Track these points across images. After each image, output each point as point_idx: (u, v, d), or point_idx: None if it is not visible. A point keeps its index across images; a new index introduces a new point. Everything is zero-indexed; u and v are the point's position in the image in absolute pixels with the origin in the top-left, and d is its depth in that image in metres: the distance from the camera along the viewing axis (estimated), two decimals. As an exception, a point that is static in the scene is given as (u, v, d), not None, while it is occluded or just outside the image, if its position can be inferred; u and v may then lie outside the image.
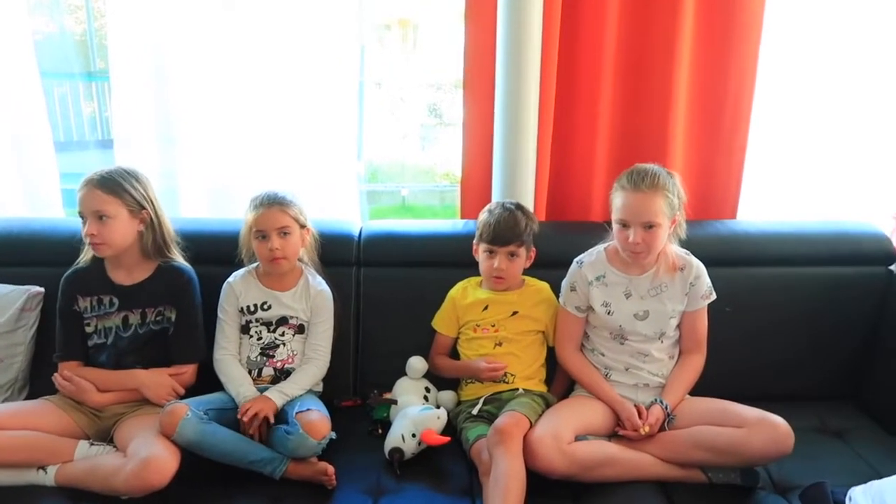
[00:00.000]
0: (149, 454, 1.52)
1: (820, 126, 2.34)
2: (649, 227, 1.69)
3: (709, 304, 1.83)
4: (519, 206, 1.92)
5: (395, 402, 1.87)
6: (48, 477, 1.59)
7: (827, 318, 2.04)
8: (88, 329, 1.82)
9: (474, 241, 1.94)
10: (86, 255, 1.86)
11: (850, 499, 1.29)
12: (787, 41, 2.23)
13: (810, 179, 2.39)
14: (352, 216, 2.40)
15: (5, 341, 1.90)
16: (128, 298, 1.82)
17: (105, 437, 1.73)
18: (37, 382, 1.93)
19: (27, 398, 1.91)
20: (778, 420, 1.56)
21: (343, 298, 1.99)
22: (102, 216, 1.74)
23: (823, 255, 2.09)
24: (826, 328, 2.04)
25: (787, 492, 1.62)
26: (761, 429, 1.56)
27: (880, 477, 1.46)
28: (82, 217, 1.76)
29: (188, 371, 1.83)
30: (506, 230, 1.86)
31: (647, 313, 1.80)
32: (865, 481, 1.42)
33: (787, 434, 1.55)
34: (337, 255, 2.05)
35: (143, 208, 1.81)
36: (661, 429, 1.71)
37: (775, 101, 2.27)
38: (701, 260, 1.83)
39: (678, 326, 1.83)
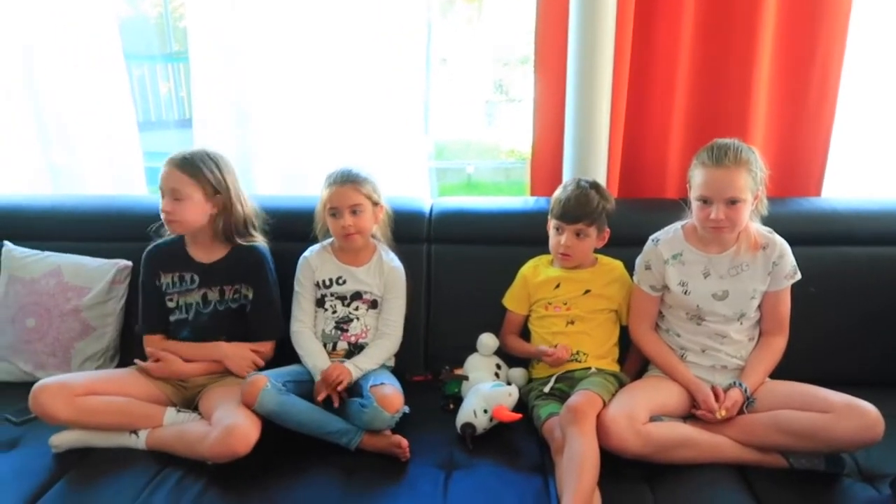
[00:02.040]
0: (232, 423, 1.58)
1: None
2: (733, 202, 1.64)
3: (792, 285, 1.76)
4: (594, 185, 1.89)
5: (466, 377, 1.88)
6: (140, 440, 1.67)
7: (920, 300, 1.94)
8: (170, 304, 1.89)
9: (549, 216, 1.93)
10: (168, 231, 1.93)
11: (946, 489, 1.23)
12: (878, 9, 2.10)
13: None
14: (422, 193, 2.41)
15: (98, 312, 2.01)
16: (207, 276, 1.89)
17: (190, 405, 1.81)
18: (126, 352, 2.04)
19: (117, 367, 2.03)
20: (867, 406, 1.49)
21: (414, 275, 2.01)
22: (178, 195, 1.80)
23: (915, 234, 1.98)
24: (919, 311, 1.94)
25: (875, 480, 1.55)
26: (849, 415, 1.49)
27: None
28: (161, 193, 1.83)
29: (267, 348, 1.89)
30: (575, 208, 1.84)
31: (726, 293, 1.74)
32: (962, 472, 1.36)
33: (876, 421, 1.48)
34: (408, 231, 2.06)
35: (218, 193, 1.85)
36: (740, 412, 1.66)
37: (865, 70, 2.15)
38: (784, 238, 1.76)
39: (759, 307, 1.77)
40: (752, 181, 1.66)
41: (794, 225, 1.92)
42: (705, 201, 1.67)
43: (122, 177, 2.54)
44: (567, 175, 2.12)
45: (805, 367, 1.75)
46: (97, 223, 2.17)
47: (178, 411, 1.75)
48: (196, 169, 1.82)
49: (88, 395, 1.67)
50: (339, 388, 1.73)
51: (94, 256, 2.07)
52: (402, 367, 1.96)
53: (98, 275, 2.02)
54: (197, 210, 1.83)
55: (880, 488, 1.52)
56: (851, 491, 1.52)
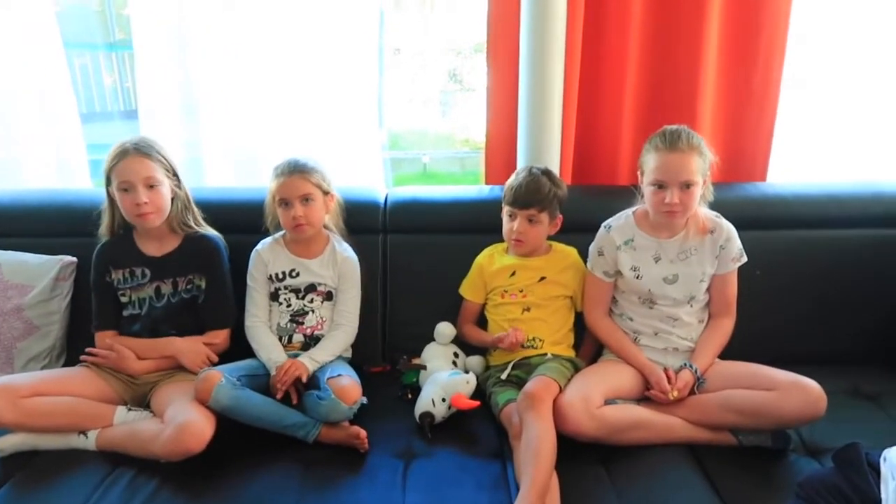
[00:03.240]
0: (186, 420, 1.55)
1: (854, 84, 2.29)
2: (687, 186, 1.67)
3: (739, 267, 1.81)
4: (546, 172, 1.91)
5: (424, 367, 1.88)
6: (89, 441, 1.63)
7: (860, 280, 2.02)
8: (123, 300, 1.85)
9: (502, 203, 1.94)
10: (106, 228, 1.87)
11: (884, 459, 1.28)
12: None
13: (843, 140, 2.34)
14: (377, 183, 2.40)
15: (42, 310, 1.94)
16: (159, 269, 1.84)
17: (141, 402, 1.77)
18: (73, 350, 1.98)
19: (64, 365, 1.96)
20: (810, 383, 1.55)
21: (370, 265, 2.00)
22: (153, 182, 1.76)
23: (857, 217, 2.06)
24: (860, 291, 2.02)
25: (818, 454, 1.62)
26: (793, 392, 1.54)
27: (915, 440, 1.45)
28: (125, 188, 1.76)
29: (221, 337, 1.86)
30: (526, 194, 1.85)
31: (676, 277, 1.78)
32: (900, 443, 1.41)
33: (819, 397, 1.53)
34: (363, 222, 2.05)
35: (175, 174, 1.84)
36: (691, 393, 1.70)
37: (807, 59, 2.22)
38: (731, 222, 1.81)
39: (708, 290, 1.82)
40: (703, 165, 1.70)
41: (741, 209, 1.97)
42: (660, 186, 1.70)
43: (66, 170, 2.45)
44: (521, 163, 2.13)
45: (752, 346, 1.80)
46: (39, 218, 2.10)
47: (129, 409, 1.71)
48: (154, 152, 1.79)
49: (34, 397, 1.61)
50: (298, 378, 1.71)
51: (36, 252, 1.99)
52: (359, 358, 1.96)
53: (41, 272, 1.95)
54: (168, 195, 1.82)
55: (823, 462, 1.58)
56: (797, 465, 1.58)
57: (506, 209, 1.91)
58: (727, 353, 1.80)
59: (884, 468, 1.24)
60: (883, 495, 1.20)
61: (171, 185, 1.83)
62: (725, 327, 1.82)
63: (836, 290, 2.02)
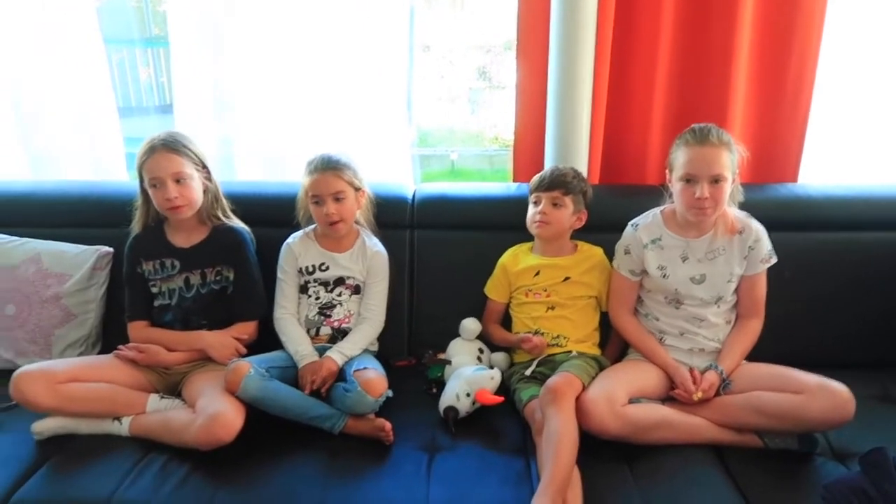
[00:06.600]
0: (216, 410, 1.59)
1: (889, 85, 2.24)
2: (716, 181, 1.66)
3: (768, 268, 1.79)
4: (573, 169, 1.93)
5: (449, 362, 1.90)
6: (123, 427, 1.67)
7: (890, 283, 1.98)
8: (154, 290, 1.90)
9: (529, 197, 1.96)
10: (139, 221, 1.92)
11: (913, 466, 1.27)
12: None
13: (877, 141, 2.30)
14: (405, 180, 2.42)
15: (79, 298, 2.00)
16: (187, 260, 1.89)
17: (172, 391, 1.82)
18: (108, 338, 2.04)
19: (100, 353, 2.02)
20: (839, 386, 1.53)
21: (397, 260, 2.02)
22: (181, 178, 1.80)
23: (888, 219, 2.02)
24: (889, 294, 1.98)
25: (845, 458, 1.60)
26: (821, 395, 1.53)
27: (944, 446, 1.43)
28: (154, 184, 1.81)
29: (250, 329, 1.90)
30: (551, 177, 1.90)
31: (703, 277, 1.77)
32: (929, 449, 1.39)
33: (847, 400, 1.51)
34: (391, 217, 2.07)
35: (205, 167, 1.87)
36: (717, 394, 1.69)
37: (841, 58, 2.18)
38: (761, 223, 1.79)
39: (736, 290, 1.80)
40: (733, 161, 1.69)
41: (771, 210, 1.94)
42: (689, 180, 1.69)
43: (103, 163, 2.51)
44: (549, 161, 2.14)
45: (779, 348, 1.77)
46: (77, 209, 2.16)
47: (161, 398, 1.75)
48: (184, 147, 1.83)
49: (70, 382, 1.66)
50: (324, 389, 1.74)
51: (74, 243, 2.05)
52: (385, 352, 1.98)
53: (79, 261, 2.01)
54: (199, 188, 1.86)
55: (850, 466, 1.56)
56: (824, 469, 1.56)
57: (532, 197, 1.94)
58: (754, 355, 1.78)
59: (912, 473, 1.23)
60: (910, 501, 1.18)
61: (202, 178, 1.86)
62: (753, 329, 1.80)
63: (865, 292, 1.99)
